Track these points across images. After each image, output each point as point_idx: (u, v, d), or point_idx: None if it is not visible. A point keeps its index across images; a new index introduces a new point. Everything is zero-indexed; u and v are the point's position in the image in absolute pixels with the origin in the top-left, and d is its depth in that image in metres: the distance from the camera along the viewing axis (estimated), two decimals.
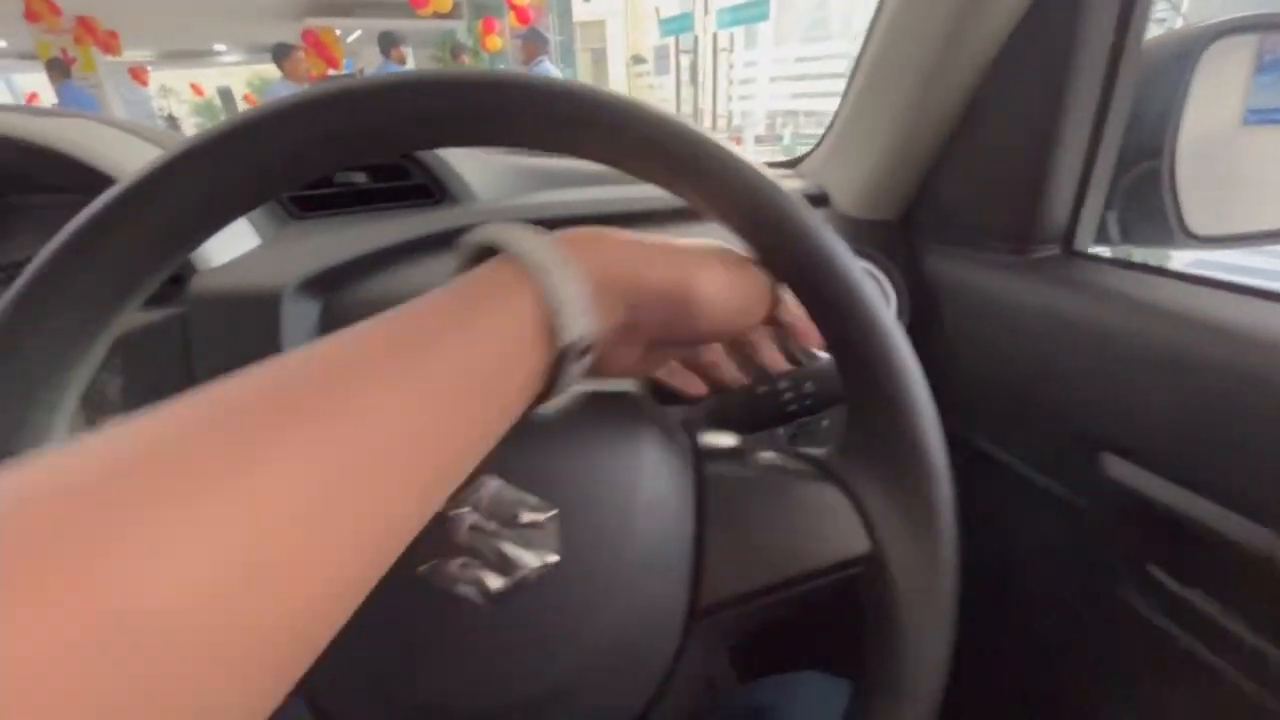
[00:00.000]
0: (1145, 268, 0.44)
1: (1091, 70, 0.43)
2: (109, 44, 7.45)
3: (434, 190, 0.56)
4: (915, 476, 0.26)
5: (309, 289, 0.47)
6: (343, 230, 0.53)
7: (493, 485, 0.25)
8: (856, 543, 0.27)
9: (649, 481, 0.27)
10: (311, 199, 0.56)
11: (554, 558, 0.25)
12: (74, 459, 0.13)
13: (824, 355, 0.38)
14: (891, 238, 0.58)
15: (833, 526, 0.27)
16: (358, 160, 0.27)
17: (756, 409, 0.37)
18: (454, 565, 0.25)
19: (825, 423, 0.47)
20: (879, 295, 0.26)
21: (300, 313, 0.46)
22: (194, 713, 0.13)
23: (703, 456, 0.29)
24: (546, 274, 0.22)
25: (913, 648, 0.25)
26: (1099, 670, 0.49)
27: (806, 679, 0.46)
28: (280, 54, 4.29)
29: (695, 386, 0.33)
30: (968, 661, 0.32)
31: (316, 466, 0.15)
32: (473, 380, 0.20)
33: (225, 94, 15.57)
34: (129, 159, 0.47)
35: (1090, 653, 0.50)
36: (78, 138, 0.47)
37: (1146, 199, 0.48)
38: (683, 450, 0.28)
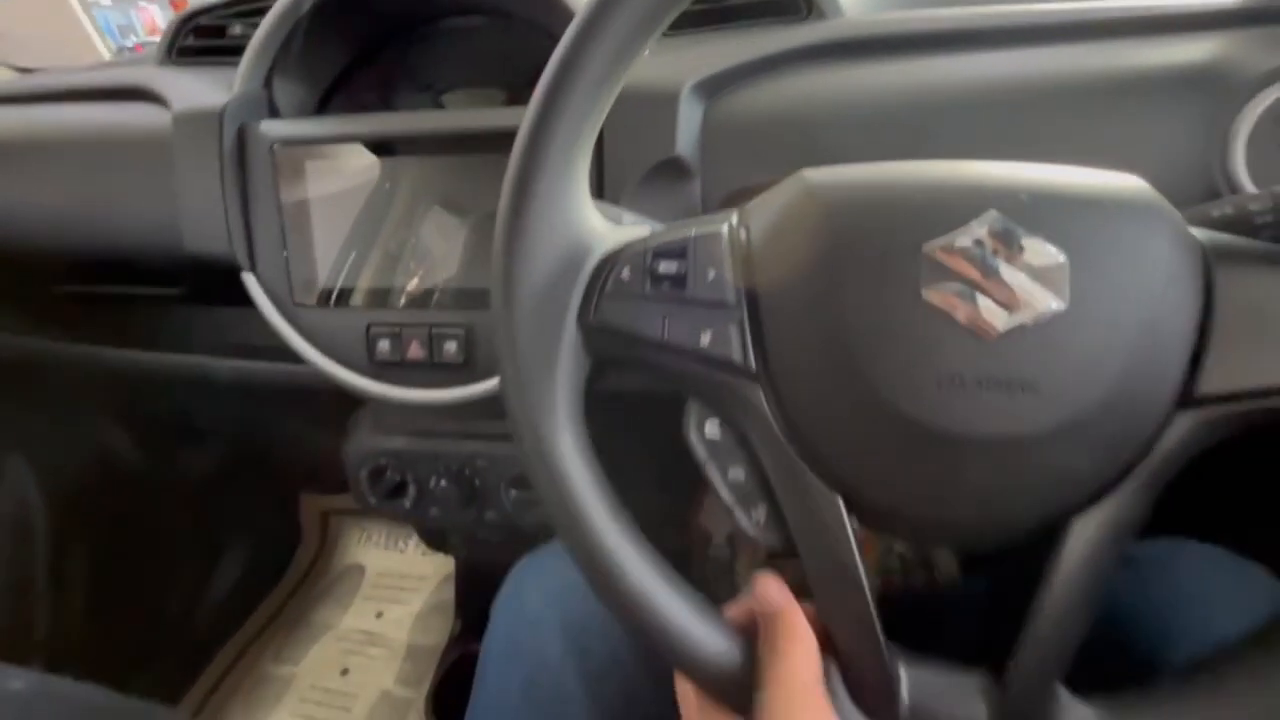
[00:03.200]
0: None
1: None
2: None
3: (801, 5, 0.56)
4: None
5: (698, 91, 0.50)
6: (715, 43, 0.55)
7: (996, 220, 0.26)
8: None
9: (1160, 241, 0.26)
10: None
11: (1060, 304, 0.25)
12: None
13: None
14: None
15: None
16: None
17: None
18: (956, 291, 0.26)
19: None
20: None
21: (690, 114, 0.50)
22: None
23: (1211, 249, 0.27)
24: None
25: None
26: None
27: (1188, 546, 0.40)
28: None
29: None
30: None
31: None
32: None
33: None
34: None
35: None
36: None
37: None
38: (1193, 240, 0.27)
